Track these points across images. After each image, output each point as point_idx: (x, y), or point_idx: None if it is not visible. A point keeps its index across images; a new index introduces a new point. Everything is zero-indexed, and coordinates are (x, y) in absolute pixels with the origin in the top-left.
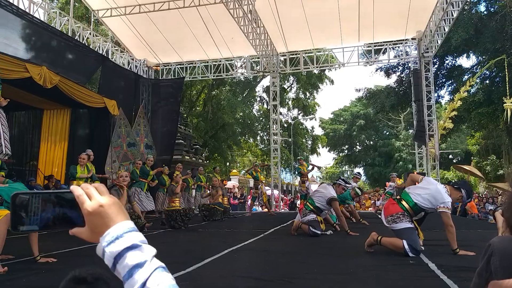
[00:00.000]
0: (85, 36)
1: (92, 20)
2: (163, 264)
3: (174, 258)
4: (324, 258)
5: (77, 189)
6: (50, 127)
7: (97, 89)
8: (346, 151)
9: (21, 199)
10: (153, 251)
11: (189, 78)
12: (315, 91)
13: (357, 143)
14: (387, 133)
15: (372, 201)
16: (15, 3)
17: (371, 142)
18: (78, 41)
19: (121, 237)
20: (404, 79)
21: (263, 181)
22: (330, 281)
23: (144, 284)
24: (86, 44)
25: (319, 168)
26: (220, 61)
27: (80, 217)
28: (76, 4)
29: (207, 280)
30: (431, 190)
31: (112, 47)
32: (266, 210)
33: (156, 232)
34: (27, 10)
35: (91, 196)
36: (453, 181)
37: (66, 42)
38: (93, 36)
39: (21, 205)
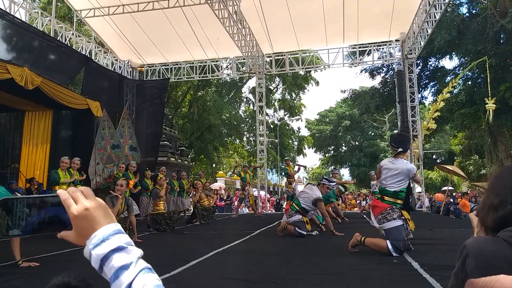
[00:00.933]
0: (68, 36)
1: (75, 20)
2: (149, 265)
3: (160, 261)
4: (310, 259)
5: (63, 193)
6: (32, 129)
7: (80, 90)
8: (332, 152)
9: (8, 204)
10: (139, 252)
11: (174, 79)
12: (301, 92)
13: (343, 144)
14: (372, 134)
15: (357, 201)
16: None
17: (357, 143)
18: (61, 41)
19: (107, 240)
20: (388, 80)
21: (250, 183)
22: (316, 281)
23: (130, 285)
24: (69, 45)
25: (305, 168)
26: (205, 62)
27: (67, 220)
28: (59, 4)
29: (193, 283)
30: (397, 169)
31: (95, 47)
32: (252, 211)
33: (142, 235)
34: (7, 10)
35: (77, 199)
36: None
37: (48, 42)
38: (76, 36)
39: (7, 210)
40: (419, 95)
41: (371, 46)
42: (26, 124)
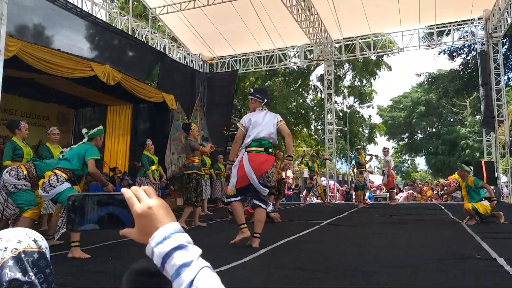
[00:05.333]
0: (144, 33)
1: (150, 17)
2: (208, 264)
3: (228, 248)
4: (384, 251)
5: (127, 192)
6: (113, 121)
7: (156, 84)
8: (406, 140)
9: (76, 200)
10: (199, 251)
11: (243, 70)
12: (372, 78)
13: (418, 131)
14: (451, 120)
15: (434, 191)
16: (79, 6)
17: (434, 130)
18: (138, 39)
19: (168, 238)
20: (470, 62)
21: (318, 172)
22: (387, 274)
23: (191, 283)
24: (145, 42)
25: (376, 157)
26: (273, 52)
27: (130, 218)
28: (135, 2)
29: (262, 271)
30: None
31: (169, 43)
32: (321, 201)
33: (219, 221)
34: (90, 11)
35: (140, 198)
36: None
37: (127, 40)
38: (151, 33)
39: (75, 206)
40: (505, 77)
41: (450, 26)
42: (108, 117)
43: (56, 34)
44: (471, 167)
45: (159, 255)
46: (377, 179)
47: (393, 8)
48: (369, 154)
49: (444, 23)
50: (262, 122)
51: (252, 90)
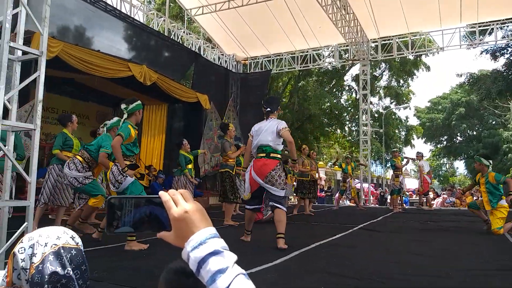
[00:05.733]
0: (180, 34)
1: (186, 18)
2: (244, 271)
3: (260, 250)
4: (421, 259)
5: (164, 195)
6: (150, 121)
7: (191, 84)
8: (444, 142)
9: (115, 202)
10: (234, 257)
11: (276, 70)
12: (409, 78)
13: (458, 134)
14: (493, 122)
15: (475, 198)
16: (118, 8)
17: (474, 132)
18: (173, 39)
19: (204, 243)
20: None
21: (352, 175)
22: (424, 283)
23: None
24: (181, 42)
25: (413, 160)
26: (307, 52)
27: (167, 221)
28: (171, 4)
29: (293, 274)
30: None
31: (204, 43)
32: (354, 204)
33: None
34: (128, 13)
35: (177, 202)
36: None
37: (163, 41)
38: (187, 34)
39: (114, 208)
40: None
41: (493, 25)
42: (145, 116)
43: (96, 35)
44: (491, 161)
45: (195, 260)
46: (413, 183)
47: (433, 7)
48: (406, 157)
49: (486, 22)
50: (263, 130)
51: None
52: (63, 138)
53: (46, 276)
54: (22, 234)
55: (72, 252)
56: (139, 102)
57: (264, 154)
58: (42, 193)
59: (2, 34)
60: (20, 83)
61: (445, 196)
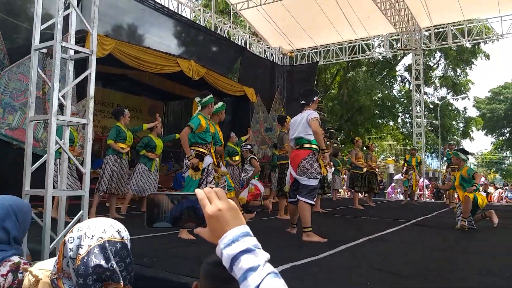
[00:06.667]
0: (226, 29)
1: (231, 13)
2: (275, 270)
3: (308, 244)
4: (474, 257)
5: (200, 193)
6: None
7: (237, 78)
8: (507, 135)
9: (154, 198)
10: (266, 256)
11: (323, 61)
12: (467, 67)
13: None
14: None
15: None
16: (166, 5)
17: None
18: (220, 34)
19: (236, 241)
20: None
21: (416, 168)
22: (479, 283)
23: (257, 287)
24: (227, 37)
25: (471, 155)
26: (355, 42)
27: (203, 218)
28: None
29: (340, 269)
30: None
31: (249, 37)
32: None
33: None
34: (175, 10)
35: (212, 200)
36: None
37: (210, 36)
38: (233, 28)
39: (153, 205)
40: None
41: None
42: (194, 110)
43: (146, 32)
44: (468, 156)
45: (228, 257)
46: None
47: None
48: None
49: None
50: (297, 123)
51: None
52: (116, 130)
53: (90, 269)
54: (78, 221)
55: (117, 245)
56: (211, 95)
57: (298, 146)
58: (100, 182)
59: (54, 35)
60: (74, 80)
61: (501, 191)
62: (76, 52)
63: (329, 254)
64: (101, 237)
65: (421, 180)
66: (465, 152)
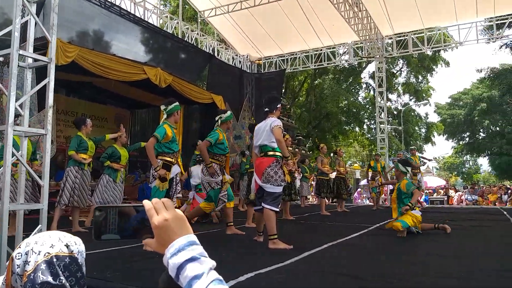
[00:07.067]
0: (194, 36)
1: (199, 20)
2: (220, 277)
3: (273, 251)
4: (431, 259)
5: (147, 203)
6: None
7: (206, 85)
8: (467, 139)
9: (101, 210)
10: (212, 263)
11: (290, 69)
12: (428, 74)
13: (480, 130)
14: None
15: (498, 195)
16: (132, 12)
17: (497, 128)
18: (188, 42)
19: (183, 250)
20: None
21: (382, 173)
22: (431, 284)
23: None
24: (195, 44)
25: (429, 160)
26: (321, 50)
27: (151, 228)
28: (186, 6)
29: (303, 275)
30: None
31: (217, 45)
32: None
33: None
34: (142, 17)
35: (159, 210)
36: None
37: (177, 43)
38: (201, 36)
39: (101, 217)
40: None
41: (511, 18)
42: (161, 118)
43: (113, 39)
44: (409, 168)
45: (174, 266)
46: (435, 181)
47: (448, 1)
48: (423, 158)
49: (504, 15)
50: (261, 130)
51: None
52: (78, 140)
53: (37, 285)
54: None
55: (65, 260)
56: (177, 103)
57: (262, 154)
58: (62, 195)
59: (11, 42)
60: (33, 89)
61: (460, 193)
62: (36, 60)
63: (294, 261)
64: (48, 253)
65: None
66: (405, 163)
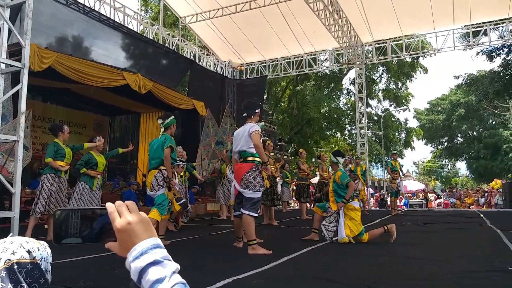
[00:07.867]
0: (175, 42)
1: (180, 26)
2: (183, 280)
3: (252, 256)
4: (410, 262)
5: (110, 206)
6: (147, 128)
7: (187, 91)
8: (445, 144)
9: (62, 214)
10: (175, 267)
11: (272, 75)
12: (408, 81)
13: (458, 135)
14: (493, 122)
15: (475, 198)
16: (112, 17)
17: (475, 133)
18: (168, 47)
19: (145, 253)
20: (510, 62)
21: (361, 177)
22: (412, 287)
23: None
24: (176, 50)
25: (403, 173)
26: (302, 57)
27: (114, 232)
28: (168, 12)
29: (280, 280)
30: None
31: (199, 51)
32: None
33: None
34: (122, 23)
35: (122, 213)
36: None
37: (158, 49)
38: (182, 42)
39: (61, 220)
40: None
41: (486, 26)
42: (142, 124)
43: (92, 45)
44: (340, 158)
45: (136, 270)
46: (415, 185)
47: (425, 9)
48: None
49: (479, 23)
50: (240, 136)
51: None
52: (54, 147)
53: None
54: None
55: (28, 267)
56: (173, 117)
57: (242, 159)
58: (37, 203)
59: None
60: (5, 95)
61: (433, 196)
62: (9, 65)
63: (272, 266)
64: (9, 259)
65: (366, 189)
66: (338, 154)
